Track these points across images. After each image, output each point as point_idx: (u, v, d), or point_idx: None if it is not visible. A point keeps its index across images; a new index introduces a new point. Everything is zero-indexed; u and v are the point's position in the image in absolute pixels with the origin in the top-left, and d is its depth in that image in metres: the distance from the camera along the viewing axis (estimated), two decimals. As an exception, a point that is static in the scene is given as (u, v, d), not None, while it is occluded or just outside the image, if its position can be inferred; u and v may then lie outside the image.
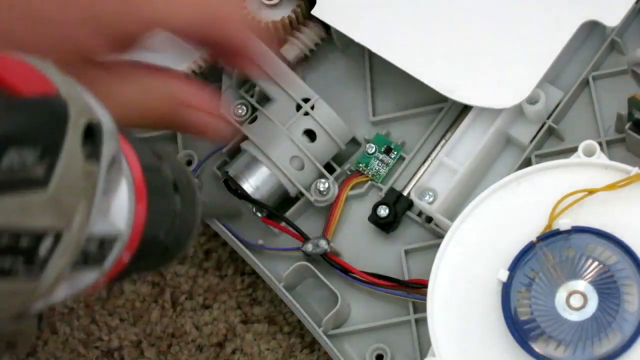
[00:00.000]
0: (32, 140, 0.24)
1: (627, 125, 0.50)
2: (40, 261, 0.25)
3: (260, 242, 0.55)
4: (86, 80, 0.28)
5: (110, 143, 0.27)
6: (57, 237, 0.25)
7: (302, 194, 0.54)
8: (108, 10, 0.38)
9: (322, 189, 0.53)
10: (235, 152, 0.55)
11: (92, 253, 0.28)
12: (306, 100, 0.54)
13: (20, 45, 0.34)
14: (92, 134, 0.26)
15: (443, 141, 0.55)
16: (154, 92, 0.41)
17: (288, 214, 0.54)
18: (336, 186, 0.54)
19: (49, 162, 0.25)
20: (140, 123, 0.42)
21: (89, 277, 0.29)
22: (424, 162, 0.55)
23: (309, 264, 0.53)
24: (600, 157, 0.46)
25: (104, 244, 0.28)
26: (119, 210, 0.28)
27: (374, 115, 0.57)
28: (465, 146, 0.52)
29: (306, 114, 0.53)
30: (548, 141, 0.54)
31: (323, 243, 0.53)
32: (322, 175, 0.54)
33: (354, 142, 0.56)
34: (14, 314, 0.27)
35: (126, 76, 0.40)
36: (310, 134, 0.54)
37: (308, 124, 0.53)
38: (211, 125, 0.44)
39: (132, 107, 0.40)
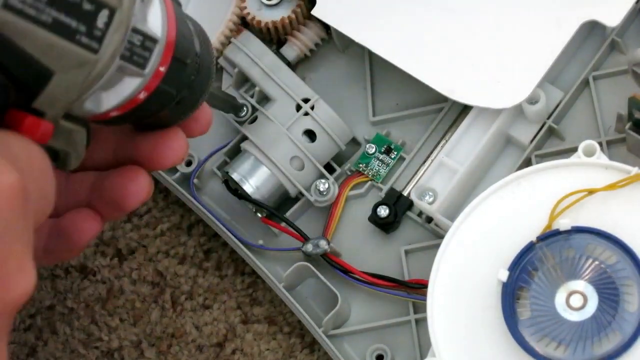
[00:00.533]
0: None
1: (627, 125, 0.50)
2: (98, 32, 0.31)
3: (260, 242, 0.55)
4: None
5: None
6: (111, 15, 0.31)
7: (302, 194, 0.54)
8: None
9: (322, 189, 0.53)
10: (235, 152, 0.55)
11: (136, 50, 0.33)
12: (306, 100, 0.54)
13: None
14: None
15: (443, 141, 0.55)
16: None
17: (288, 214, 0.54)
18: (336, 186, 0.54)
19: None
20: None
21: (133, 84, 0.34)
22: (424, 162, 0.55)
23: (309, 264, 0.53)
24: (601, 157, 0.46)
25: (145, 43, 0.33)
26: (155, 22, 0.34)
27: (374, 115, 0.57)
28: (465, 146, 0.52)
29: (306, 114, 0.53)
30: (548, 141, 0.54)
31: (323, 243, 0.53)
32: (322, 176, 0.54)
33: (354, 142, 0.56)
34: (73, 96, 0.31)
35: None
36: (310, 134, 0.54)
37: (308, 124, 0.53)
38: None
39: None
